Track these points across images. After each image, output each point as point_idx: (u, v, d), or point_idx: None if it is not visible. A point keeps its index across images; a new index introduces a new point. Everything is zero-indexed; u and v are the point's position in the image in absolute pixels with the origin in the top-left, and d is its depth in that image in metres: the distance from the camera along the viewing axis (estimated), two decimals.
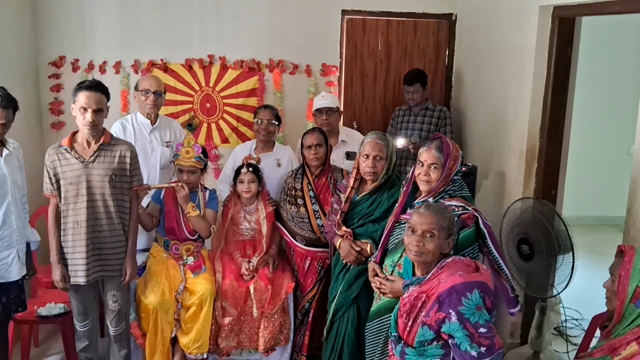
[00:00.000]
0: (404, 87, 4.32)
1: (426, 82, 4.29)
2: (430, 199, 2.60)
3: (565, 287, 3.06)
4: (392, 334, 2.36)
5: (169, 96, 4.06)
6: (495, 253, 2.58)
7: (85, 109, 2.89)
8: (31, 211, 3.28)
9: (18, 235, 2.97)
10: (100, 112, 2.93)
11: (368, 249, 3.05)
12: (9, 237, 2.92)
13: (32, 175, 3.21)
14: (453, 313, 2.08)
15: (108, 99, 2.99)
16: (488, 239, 2.56)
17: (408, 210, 2.69)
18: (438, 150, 2.61)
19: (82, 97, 2.89)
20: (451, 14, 4.68)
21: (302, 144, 3.57)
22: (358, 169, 3.14)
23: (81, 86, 2.92)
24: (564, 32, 3.47)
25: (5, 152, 2.92)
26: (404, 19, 4.68)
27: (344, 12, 4.58)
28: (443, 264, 2.25)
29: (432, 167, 2.61)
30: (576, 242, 3.01)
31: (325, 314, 3.32)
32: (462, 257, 2.31)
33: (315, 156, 3.48)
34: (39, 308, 3.38)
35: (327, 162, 3.56)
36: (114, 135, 3.19)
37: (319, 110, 3.90)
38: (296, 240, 3.55)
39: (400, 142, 3.91)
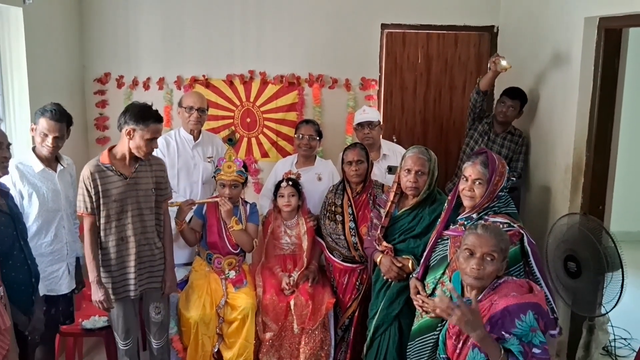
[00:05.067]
0: (501, 97, 4.07)
1: (524, 105, 4.06)
2: (474, 215, 2.59)
3: (614, 306, 3.01)
4: (441, 356, 2.34)
5: (210, 111, 4.15)
6: (537, 273, 2.53)
7: (150, 140, 2.95)
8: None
9: (69, 250, 3.07)
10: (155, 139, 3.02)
11: (410, 265, 3.04)
12: (60, 251, 3.02)
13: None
14: (507, 335, 2.05)
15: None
16: (531, 258, 2.52)
17: (451, 226, 2.69)
18: (483, 166, 2.58)
19: (152, 130, 2.93)
20: (493, 26, 4.67)
21: (342, 160, 3.59)
22: (399, 184, 3.14)
23: (147, 117, 2.93)
24: (610, 43, 3.44)
25: (59, 167, 3.03)
26: (445, 31, 4.69)
27: (384, 26, 4.62)
28: (495, 285, 2.21)
29: (477, 183, 2.58)
30: (625, 258, 2.96)
31: (365, 331, 3.32)
32: (515, 278, 2.27)
33: (356, 172, 3.49)
34: (84, 321, 3.46)
35: (367, 178, 3.56)
36: (154, 153, 3.26)
37: (360, 124, 3.93)
38: (334, 256, 3.57)
39: None
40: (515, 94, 4.03)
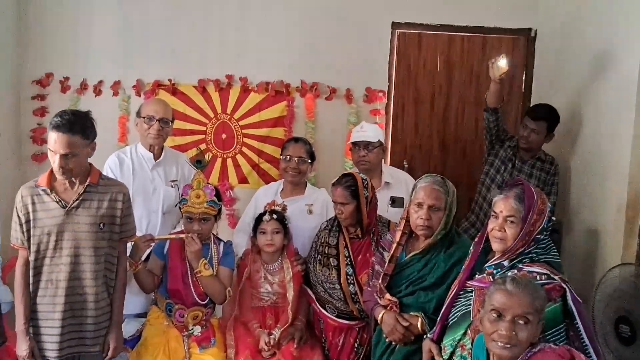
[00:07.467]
0: (523, 119, 4.13)
1: (554, 127, 4.07)
2: (505, 262, 2.56)
3: None
4: None
5: (177, 124, 4.15)
6: (586, 339, 2.49)
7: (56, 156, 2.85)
8: (2, 263, 3.33)
9: None
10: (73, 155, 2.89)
11: (419, 324, 2.99)
12: None
13: (5, 218, 3.26)
14: None
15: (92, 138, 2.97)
16: (577, 320, 2.49)
17: (477, 276, 2.66)
18: (518, 200, 2.56)
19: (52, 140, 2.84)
20: (530, 30, 4.71)
21: None
22: (407, 221, 3.11)
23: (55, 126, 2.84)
24: None
25: None
26: (470, 34, 4.73)
27: (395, 25, 4.67)
28: (529, 355, 2.18)
29: (509, 221, 2.56)
30: None
31: None
32: (553, 345, 2.24)
33: (341, 216, 3.46)
34: None
35: (362, 219, 3.45)
36: (105, 173, 3.21)
37: (355, 144, 3.93)
38: (326, 310, 3.54)
39: None
40: (540, 114, 4.03)
